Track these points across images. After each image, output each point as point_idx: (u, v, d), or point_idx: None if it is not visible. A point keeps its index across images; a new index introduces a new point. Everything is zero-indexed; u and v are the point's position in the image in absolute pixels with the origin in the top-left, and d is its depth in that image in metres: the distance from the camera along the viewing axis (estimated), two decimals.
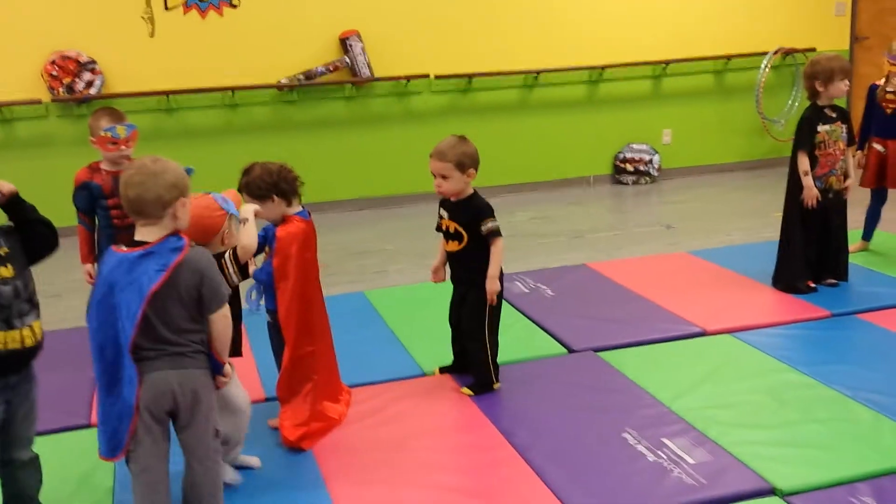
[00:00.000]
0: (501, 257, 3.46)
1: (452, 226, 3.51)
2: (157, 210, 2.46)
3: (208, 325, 2.55)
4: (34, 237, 2.59)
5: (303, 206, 3.30)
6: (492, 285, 3.44)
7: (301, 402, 3.28)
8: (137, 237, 2.49)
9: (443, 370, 3.81)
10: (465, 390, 3.60)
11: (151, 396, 2.47)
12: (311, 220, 3.28)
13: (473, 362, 3.62)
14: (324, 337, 3.39)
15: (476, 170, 3.45)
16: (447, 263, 3.67)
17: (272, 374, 3.42)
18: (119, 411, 2.48)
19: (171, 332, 2.47)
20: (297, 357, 3.24)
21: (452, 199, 3.52)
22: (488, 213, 3.46)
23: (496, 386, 3.61)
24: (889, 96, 5.02)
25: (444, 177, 3.44)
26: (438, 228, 3.64)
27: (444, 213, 3.56)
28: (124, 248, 2.48)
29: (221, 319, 2.56)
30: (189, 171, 2.57)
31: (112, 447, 2.51)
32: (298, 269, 3.19)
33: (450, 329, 3.75)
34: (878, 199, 5.25)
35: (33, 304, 2.55)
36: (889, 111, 5.02)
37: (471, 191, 3.52)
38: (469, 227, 3.47)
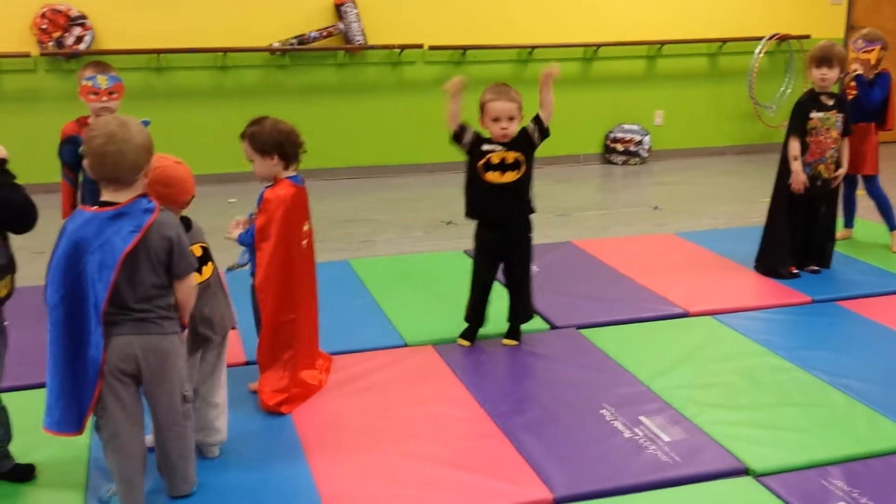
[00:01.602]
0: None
1: (512, 156, 3.57)
2: (133, 175, 2.42)
3: (174, 291, 2.53)
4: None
5: (297, 172, 3.28)
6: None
7: (281, 369, 3.26)
8: (106, 198, 2.43)
9: (465, 337, 3.84)
10: (510, 342, 3.80)
11: (115, 360, 2.44)
12: (303, 186, 3.26)
13: (522, 303, 3.79)
14: (308, 306, 3.37)
15: None
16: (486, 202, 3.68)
17: (254, 336, 3.41)
18: (83, 378, 2.43)
19: (136, 298, 2.44)
20: (278, 324, 3.22)
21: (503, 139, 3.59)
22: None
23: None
24: (852, 83, 5.03)
25: (511, 118, 3.54)
26: (485, 162, 3.60)
27: (497, 147, 3.58)
28: (94, 208, 2.42)
29: (185, 288, 2.54)
30: (146, 124, 2.53)
31: (77, 417, 2.47)
32: (281, 233, 3.15)
33: (474, 295, 3.80)
34: (849, 185, 5.23)
35: None
36: (850, 98, 5.00)
37: None
38: (528, 154, 3.60)
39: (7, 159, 2.56)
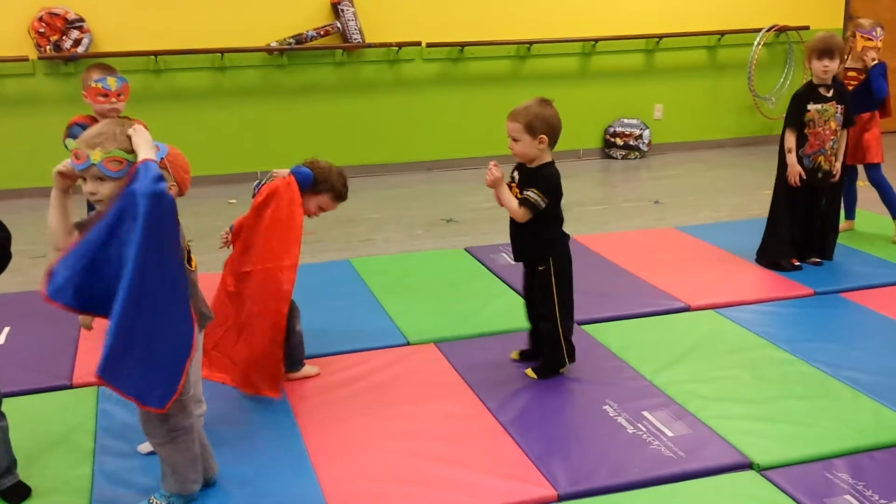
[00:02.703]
0: (511, 207, 3.27)
1: (515, 192, 3.33)
2: None
3: None
4: None
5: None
6: (494, 181, 3.25)
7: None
8: None
9: (521, 354, 3.63)
10: (530, 373, 3.50)
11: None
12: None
13: (546, 343, 3.47)
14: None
15: (550, 138, 3.28)
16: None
17: None
18: (180, 347, 2.33)
19: None
20: None
21: (528, 164, 3.34)
22: (542, 185, 3.26)
23: (564, 370, 3.48)
24: (851, 73, 5.00)
25: (514, 139, 3.28)
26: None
27: (516, 176, 3.38)
28: None
29: None
30: None
31: (166, 393, 2.33)
32: None
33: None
34: (849, 176, 5.17)
35: None
36: (850, 88, 4.93)
37: (548, 158, 3.33)
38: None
39: None
